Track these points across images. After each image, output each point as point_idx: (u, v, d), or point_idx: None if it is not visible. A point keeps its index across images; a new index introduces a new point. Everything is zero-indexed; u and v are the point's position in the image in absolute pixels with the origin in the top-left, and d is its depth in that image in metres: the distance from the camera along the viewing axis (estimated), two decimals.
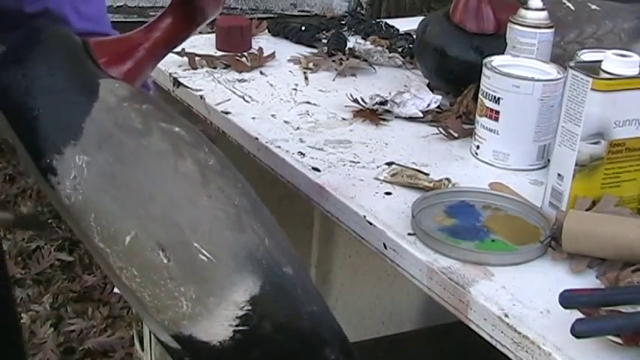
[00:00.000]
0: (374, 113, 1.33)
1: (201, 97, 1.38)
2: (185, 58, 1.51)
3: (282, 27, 1.74)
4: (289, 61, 1.58)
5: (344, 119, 1.32)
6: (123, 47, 0.94)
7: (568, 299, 0.80)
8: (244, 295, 0.78)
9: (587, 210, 0.97)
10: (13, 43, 0.85)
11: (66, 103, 0.81)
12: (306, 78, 1.50)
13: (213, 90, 1.41)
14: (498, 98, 1.15)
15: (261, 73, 1.51)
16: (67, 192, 0.78)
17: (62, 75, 0.83)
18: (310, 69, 1.54)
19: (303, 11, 4.69)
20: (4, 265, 1.21)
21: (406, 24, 1.79)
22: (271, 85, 1.46)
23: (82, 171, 0.78)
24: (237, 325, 0.78)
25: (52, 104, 0.80)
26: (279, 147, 1.21)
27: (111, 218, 0.78)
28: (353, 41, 1.67)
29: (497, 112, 1.16)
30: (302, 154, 1.19)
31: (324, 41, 1.67)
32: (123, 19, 4.11)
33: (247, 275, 0.78)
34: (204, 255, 0.78)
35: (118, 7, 4.28)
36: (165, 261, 0.77)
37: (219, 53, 1.57)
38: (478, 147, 1.19)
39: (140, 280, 0.77)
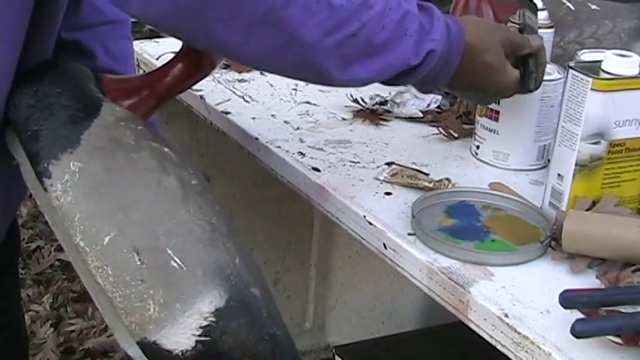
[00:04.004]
0: (374, 113, 1.33)
1: (201, 97, 1.38)
2: None
3: None
4: None
5: (344, 119, 1.32)
6: (130, 85, 1.02)
7: (568, 299, 0.80)
8: (209, 307, 0.81)
9: (587, 210, 0.97)
10: (31, 67, 0.92)
11: (68, 118, 0.88)
12: None
13: (213, 90, 1.41)
14: None
15: (261, 73, 1.51)
16: (57, 193, 0.84)
17: (69, 95, 0.90)
18: None
19: None
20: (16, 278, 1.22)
21: None
22: (271, 85, 1.46)
23: (73, 176, 0.84)
24: (199, 335, 0.81)
25: (56, 118, 0.88)
26: (279, 147, 1.21)
27: (93, 219, 0.83)
28: None
29: (497, 112, 1.16)
30: (302, 154, 1.19)
31: None
32: None
33: (214, 288, 0.82)
34: (176, 262, 0.82)
35: None
36: (138, 263, 0.81)
37: None
38: (478, 147, 1.19)
39: (113, 280, 0.82)
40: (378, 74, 0.91)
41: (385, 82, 0.95)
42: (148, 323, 0.81)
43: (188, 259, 0.82)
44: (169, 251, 0.82)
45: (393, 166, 1.15)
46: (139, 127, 0.90)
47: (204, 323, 0.81)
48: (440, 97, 1.35)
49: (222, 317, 0.82)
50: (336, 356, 1.60)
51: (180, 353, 0.81)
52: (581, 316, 0.80)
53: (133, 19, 1.08)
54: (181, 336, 0.81)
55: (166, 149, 0.90)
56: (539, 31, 1.24)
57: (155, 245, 0.82)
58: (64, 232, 0.84)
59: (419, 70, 0.93)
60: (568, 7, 1.36)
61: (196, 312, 0.81)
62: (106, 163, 0.86)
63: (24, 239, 2.71)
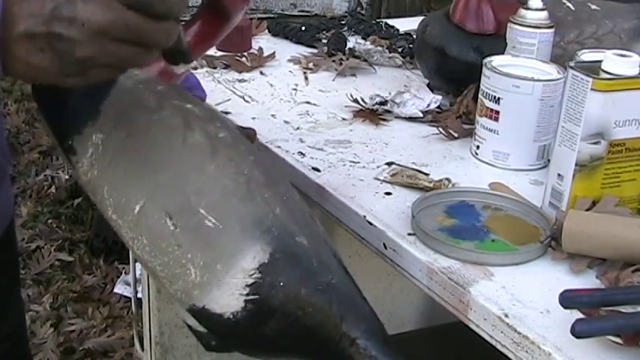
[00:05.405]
0: (374, 113, 1.33)
1: None
2: None
3: (282, 27, 1.75)
4: (289, 61, 1.58)
5: (344, 119, 1.32)
6: None
7: (568, 299, 0.80)
8: (252, 263, 0.77)
9: (587, 210, 0.97)
10: None
11: (86, 91, 0.83)
12: (306, 78, 1.50)
13: (213, 90, 1.41)
14: (498, 98, 1.15)
15: (261, 73, 1.51)
16: (84, 169, 0.81)
17: None
18: (310, 69, 1.54)
19: (303, 11, 4.70)
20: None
21: (406, 24, 1.79)
22: (271, 85, 1.46)
23: (97, 148, 0.81)
24: (247, 295, 0.77)
25: (76, 93, 0.83)
26: (279, 147, 1.21)
27: (121, 189, 0.80)
28: (353, 41, 1.67)
29: (497, 112, 1.16)
30: (302, 154, 1.19)
31: (324, 41, 1.67)
32: None
33: (255, 242, 0.77)
34: (210, 221, 0.77)
35: None
36: (172, 228, 0.77)
37: (219, 53, 1.57)
38: (478, 147, 1.19)
39: (150, 249, 0.78)
40: None
41: None
42: (192, 289, 0.77)
43: (223, 216, 0.78)
44: (202, 210, 0.77)
45: (393, 166, 1.15)
46: (159, 88, 0.86)
47: (250, 281, 0.76)
48: (440, 97, 1.35)
49: (268, 272, 0.77)
50: None
51: (231, 316, 0.77)
52: (581, 316, 0.80)
53: None
54: (229, 297, 0.76)
55: (189, 105, 0.85)
56: (539, 30, 1.25)
57: (186, 206, 0.78)
58: (97, 207, 0.81)
59: None
60: (568, 7, 1.36)
61: (240, 270, 0.76)
62: (127, 129, 0.82)
63: (24, 239, 2.71)
